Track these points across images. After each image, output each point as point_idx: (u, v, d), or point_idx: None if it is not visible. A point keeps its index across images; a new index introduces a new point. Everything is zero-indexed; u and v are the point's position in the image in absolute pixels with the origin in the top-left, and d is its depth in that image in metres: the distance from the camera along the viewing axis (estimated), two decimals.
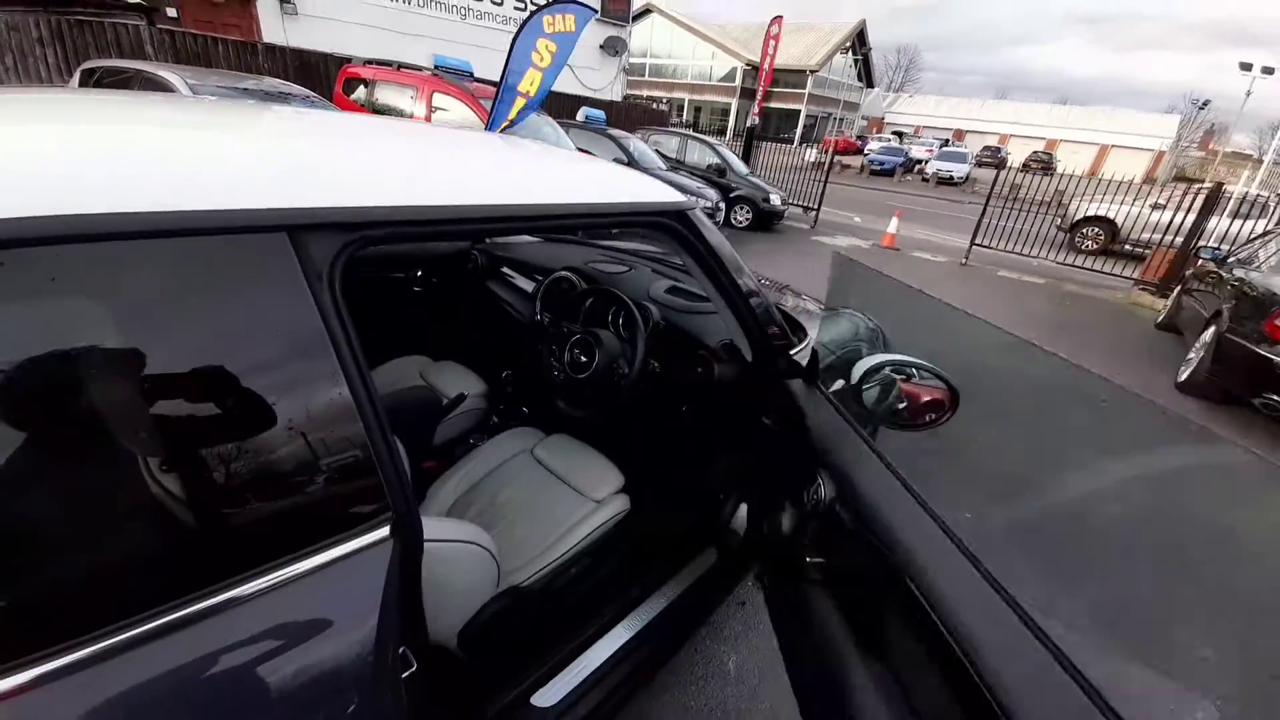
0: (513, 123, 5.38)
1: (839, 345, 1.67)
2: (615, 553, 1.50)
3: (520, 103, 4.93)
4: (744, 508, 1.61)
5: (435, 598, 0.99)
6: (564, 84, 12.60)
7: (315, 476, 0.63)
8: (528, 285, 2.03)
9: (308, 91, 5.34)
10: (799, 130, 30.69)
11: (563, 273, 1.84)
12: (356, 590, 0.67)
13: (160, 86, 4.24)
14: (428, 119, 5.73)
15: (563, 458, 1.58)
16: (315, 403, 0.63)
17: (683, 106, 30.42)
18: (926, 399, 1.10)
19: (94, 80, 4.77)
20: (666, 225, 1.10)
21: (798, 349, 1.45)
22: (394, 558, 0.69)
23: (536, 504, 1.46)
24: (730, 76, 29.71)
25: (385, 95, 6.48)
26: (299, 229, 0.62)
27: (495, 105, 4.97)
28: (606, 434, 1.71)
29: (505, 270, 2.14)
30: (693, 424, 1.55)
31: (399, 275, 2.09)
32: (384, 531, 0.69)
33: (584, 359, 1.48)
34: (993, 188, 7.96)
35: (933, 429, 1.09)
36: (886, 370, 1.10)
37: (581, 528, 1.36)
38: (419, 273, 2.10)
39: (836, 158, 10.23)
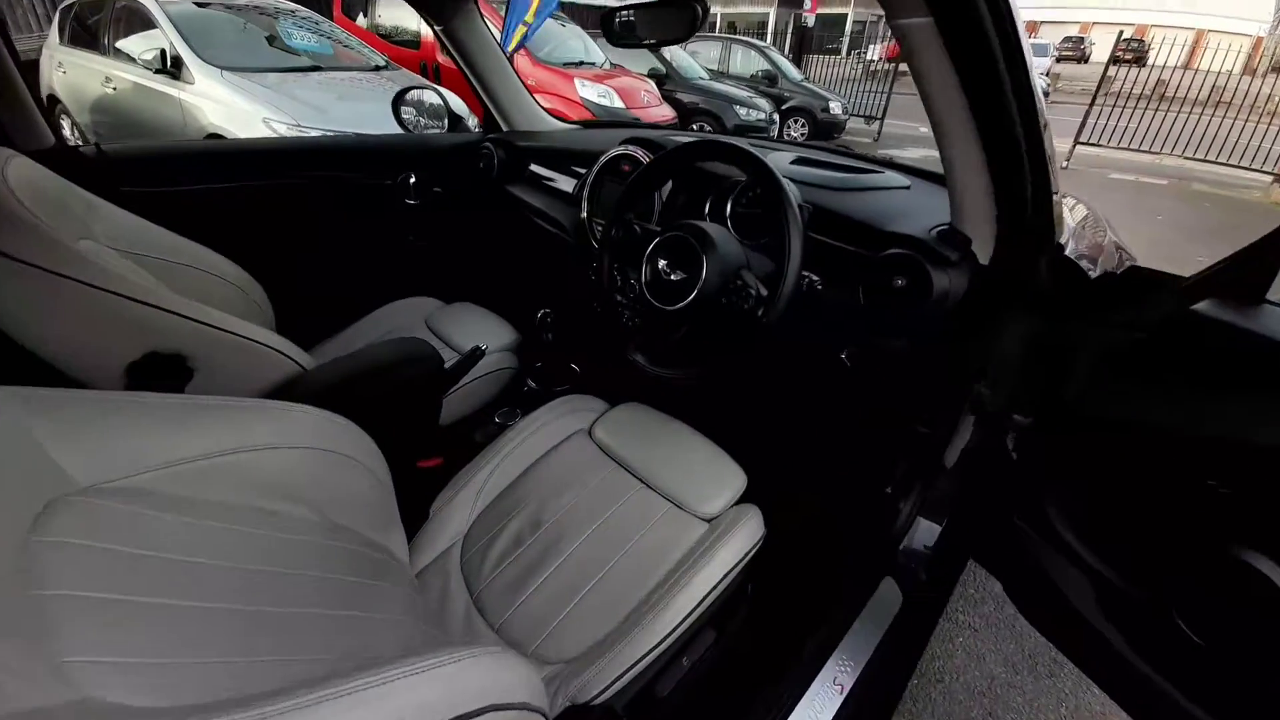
0: (531, 27, 4.70)
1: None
2: (745, 614, 0.90)
3: (536, 2, 4.40)
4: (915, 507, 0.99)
5: None
6: None
7: None
8: (568, 184, 1.37)
9: (296, 5, 4.61)
10: (846, 38, 27.75)
11: (623, 148, 1.17)
12: None
13: (135, 10, 3.65)
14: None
15: (642, 444, 0.98)
16: None
17: (714, 25, 27.84)
18: None
19: (72, 16, 4.21)
20: None
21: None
22: None
23: (607, 531, 0.86)
24: None
25: (388, 12, 5.72)
26: None
27: (508, 10, 4.45)
28: (704, 401, 1.10)
29: (534, 168, 1.48)
30: (860, 381, 0.92)
31: (385, 183, 1.46)
32: None
33: (675, 277, 0.85)
34: (1102, 79, 6.72)
35: None
36: None
37: (692, 584, 0.76)
38: (411, 178, 1.47)
39: (889, 64, 8.76)
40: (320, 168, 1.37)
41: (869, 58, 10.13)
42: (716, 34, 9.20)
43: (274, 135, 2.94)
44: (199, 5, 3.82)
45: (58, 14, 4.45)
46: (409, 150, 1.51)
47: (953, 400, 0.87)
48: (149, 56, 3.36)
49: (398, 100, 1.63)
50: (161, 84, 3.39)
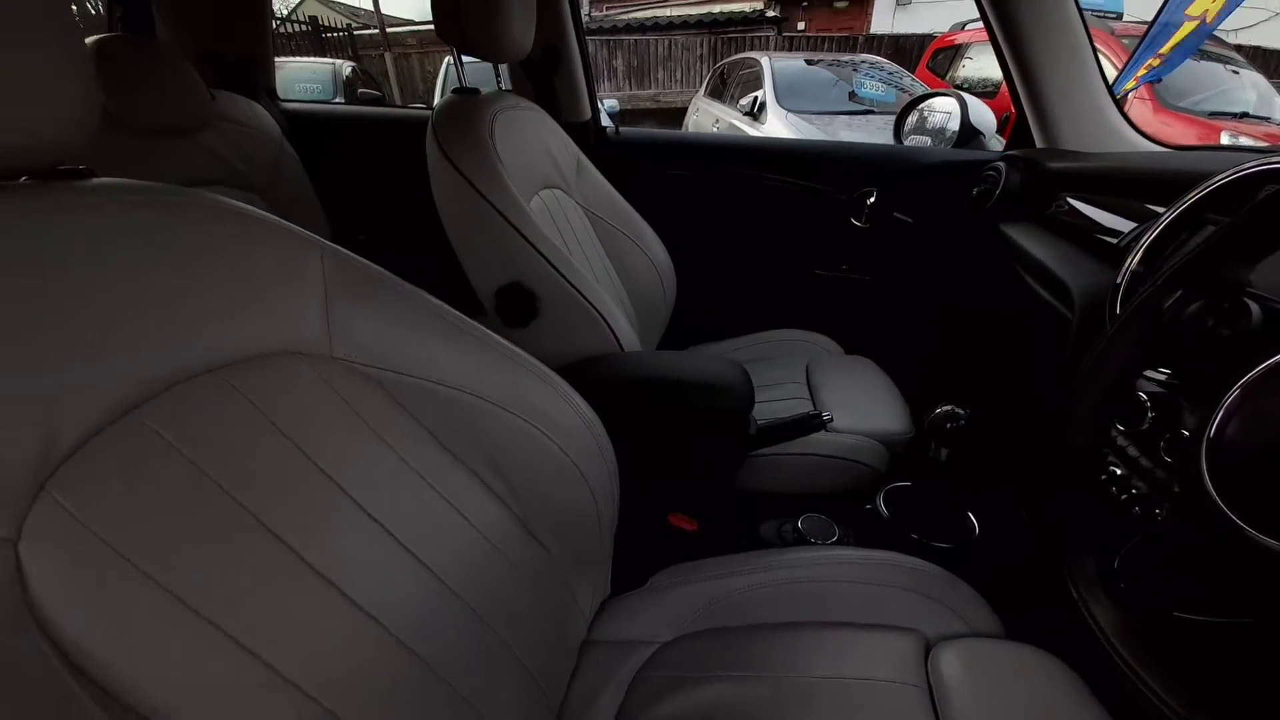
0: (1166, 60, 3.57)
1: None
2: None
3: (1186, 29, 3.30)
4: None
5: None
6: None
7: None
8: (1123, 225, 0.79)
9: (884, 60, 4.92)
10: None
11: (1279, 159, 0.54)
12: None
13: (750, 66, 4.67)
14: None
15: None
16: None
17: None
18: None
19: (717, 74, 5.72)
20: None
21: None
22: None
23: None
24: None
25: (972, 64, 5.32)
26: None
27: (1139, 45, 3.55)
28: None
29: (1071, 201, 0.93)
30: None
31: (839, 197, 1.21)
32: None
33: None
34: None
35: None
36: None
37: None
38: (871, 197, 1.17)
39: None
40: (778, 170, 1.25)
41: None
42: None
43: None
44: (808, 63, 4.58)
45: (710, 73, 6.10)
46: (877, 162, 1.20)
47: None
48: (744, 102, 4.19)
49: (906, 109, 1.34)
50: (744, 123, 4.19)
